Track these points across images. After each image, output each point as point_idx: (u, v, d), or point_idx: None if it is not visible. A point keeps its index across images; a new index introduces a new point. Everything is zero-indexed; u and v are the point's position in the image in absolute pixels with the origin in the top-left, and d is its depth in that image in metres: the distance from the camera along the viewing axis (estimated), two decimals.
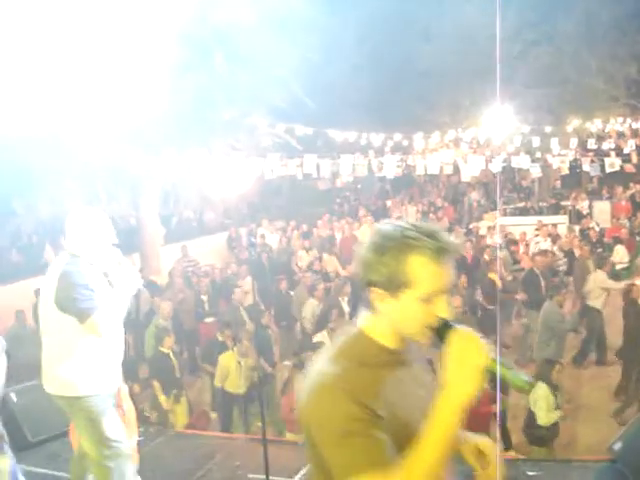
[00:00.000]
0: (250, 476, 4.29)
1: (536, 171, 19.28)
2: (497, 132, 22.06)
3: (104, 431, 4.41)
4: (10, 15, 9.73)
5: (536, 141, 21.15)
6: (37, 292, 13.53)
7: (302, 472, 5.39)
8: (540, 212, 22.33)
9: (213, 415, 10.09)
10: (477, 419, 7.82)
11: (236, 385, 9.59)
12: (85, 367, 4.36)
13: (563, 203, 23.15)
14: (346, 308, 12.15)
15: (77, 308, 4.18)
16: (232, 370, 9.62)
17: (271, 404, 9.66)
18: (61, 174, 14.07)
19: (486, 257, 13.96)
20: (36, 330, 12.88)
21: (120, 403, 5.23)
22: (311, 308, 12.32)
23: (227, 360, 9.74)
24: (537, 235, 17.20)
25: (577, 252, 14.75)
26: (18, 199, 15.09)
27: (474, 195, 25.93)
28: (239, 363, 9.63)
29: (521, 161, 14.72)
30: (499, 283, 12.18)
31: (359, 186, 29.91)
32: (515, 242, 16.38)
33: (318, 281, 14.12)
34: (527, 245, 16.50)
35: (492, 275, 12.38)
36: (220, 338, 10.29)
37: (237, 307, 12.27)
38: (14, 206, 14.97)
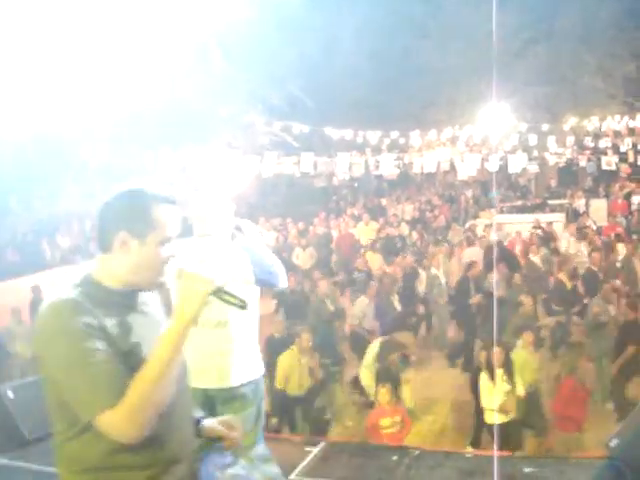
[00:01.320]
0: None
1: (533, 168, 19.27)
2: (494, 130, 22.06)
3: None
4: (10, 14, 9.72)
5: (533, 139, 21.17)
6: (35, 289, 13.62)
7: (299, 468, 5.40)
8: (536, 210, 22.34)
9: (273, 420, 9.10)
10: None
11: (298, 386, 9.20)
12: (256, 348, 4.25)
13: (559, 201, 23.15)
14: (397, 306, 12.08)
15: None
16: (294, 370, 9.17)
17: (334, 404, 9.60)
18: (57, 172, 14.07)
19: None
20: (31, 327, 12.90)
21: None
22: (361, 306, 12.16)
23: (287, 360, 9.23)
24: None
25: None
26: (15, 197, 15.06)
27: (470, 193, 25.95)
28: (299, 362, 9.20)
29: (518, 160, 14.70)
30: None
31: (356, 184, 29.89)
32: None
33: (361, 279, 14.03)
34: (524, 243, 16.50)
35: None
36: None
37: None
38: (11, 204, 14.94)
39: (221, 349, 4.01)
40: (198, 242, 4.11)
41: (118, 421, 2.15)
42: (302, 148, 17.31)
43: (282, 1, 12.77)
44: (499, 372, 8.18)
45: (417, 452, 5.93)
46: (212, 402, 4.12)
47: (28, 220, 20.26)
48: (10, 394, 6.52)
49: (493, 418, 8.03)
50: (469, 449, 7.71)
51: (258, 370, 4.12)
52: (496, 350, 8.24)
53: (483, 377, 8.34)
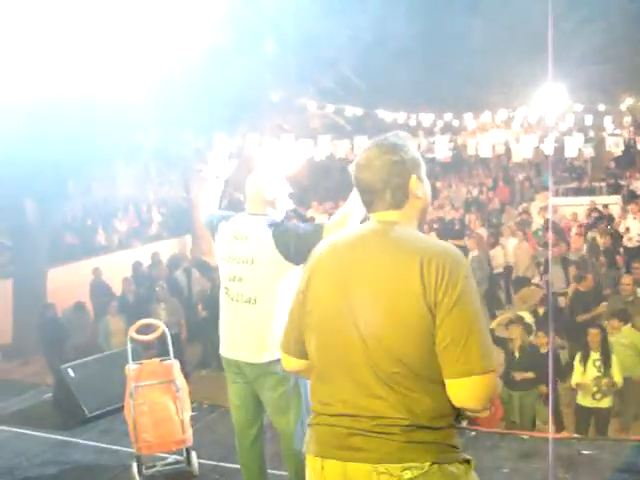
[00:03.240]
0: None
1: (588, 151, 18.97)
2: (549, 111, 21.76)
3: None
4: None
5: (589, 119, 20.84)
6: (96, 270, 13.90)
7: None
8: (593, 192, 22.01)
9: None
10: None
11: None
12: None
13: (616, 182, 22.74)
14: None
15: None
16: None
17: None
18: (112, 156, 14.28)
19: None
20: (90, 313, 13.19)
21: (172, 378, 5.36)
22: None
23: None
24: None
25: None
26: (72, 182, 15.34)
27: (525, 175, 25.64)
28: None
29: (574, 142, 14.47)
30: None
31: None
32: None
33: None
34: (580, 226, 16.27)
35: None
36: None
37: None
38: (69, 189, 15.22)
39: (250, 325, 4.05)
40: (244, 218, 4.17)
41: (482, 389, 2.17)
42: (354, 131, 17.30)
43: None
44: (594, 355, 8.09)
45: (473, 433, 5.96)
46: (247, 376, 4.20)
47: (85, 205, 20.66)
48: (71, 373, 6.71)
49: (585, 400, 8.03)
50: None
51: None
52: (592, 332, 8.16)
53: (577, 357, 8.29)
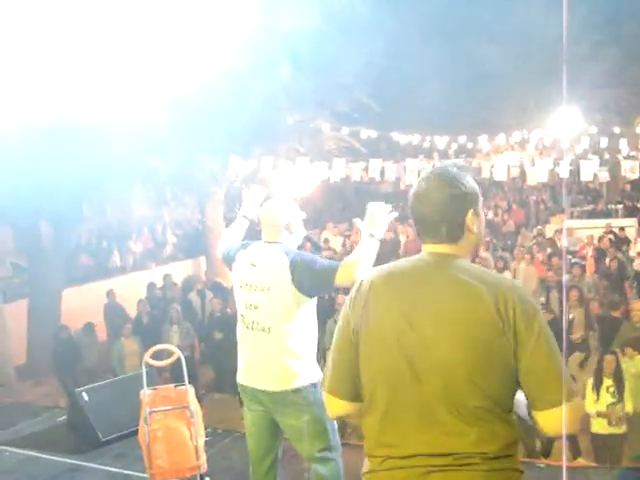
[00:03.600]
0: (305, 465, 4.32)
1: (604, 175, 18.86)
2: (564, 134, 21.74)
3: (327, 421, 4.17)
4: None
5: (604, 142, 20.79)
6: (109, 293, 13.94)
7: None
8: (608, 215, 21.92)
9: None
10: None
11: None
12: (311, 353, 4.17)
13: (632, 205, 22.64)
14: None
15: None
16: None
17: None
18: (130, 179, 14.36)
19: None
20: (104, 335, 13.18)
21: (187, 404, 5.34)
22: None
23: None
24: None
25: None
26: (87, 203, 15.42)
27: (540, 198, 25.57)
28: None
29: (590, 166, 14.42)
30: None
31: None
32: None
33: None
34: (595, 249, 16.18)
35: None
36: None
37: None
38: (84, 211, 15.30)
39: (266, 353, 4.04)
40: (261, 246, 4.17)
41: (576, 412, 2.20)
42: (369, 154, 17.33)
43: (349, 8, 12.81)
44: (607, 382, 8.00)
45: None
46: (264, 404, 4.16)
47: (100, 226, 20.72)
48: (85, 396, 6.71)
49: (599, 427, 7.94)
50: (541, 458, 7.58)
51: (308, 378, 4.05)
52: (608, 358, 8.08)
53: (589, 384, 8.19)
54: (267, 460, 4.31)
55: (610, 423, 7.87)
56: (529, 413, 2.24)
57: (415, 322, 2.24)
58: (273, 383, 4.03)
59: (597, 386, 8.01)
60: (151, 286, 14.83)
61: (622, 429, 7.94)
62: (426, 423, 2.21)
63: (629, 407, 7.92)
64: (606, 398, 7.93)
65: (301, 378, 3.99)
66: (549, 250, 16.11)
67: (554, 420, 2.16)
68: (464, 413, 2.18)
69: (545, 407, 2.17)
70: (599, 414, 7.94)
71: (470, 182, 2.41)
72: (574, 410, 2.17)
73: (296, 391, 3.99)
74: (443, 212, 2.35)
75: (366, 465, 2.38)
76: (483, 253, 15.37)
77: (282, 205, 4.23)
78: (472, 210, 2.38)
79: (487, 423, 2.18)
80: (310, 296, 3.98)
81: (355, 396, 2.40)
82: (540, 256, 14.96)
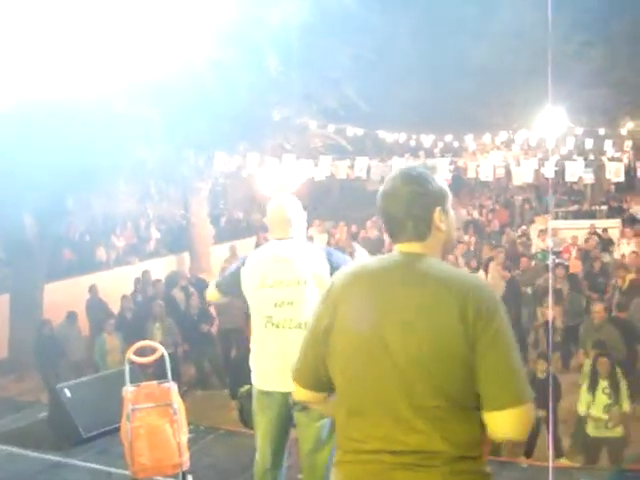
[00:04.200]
0: (300, 476, 4.26)
1: (589, 177, 18.90)
2: (549, 134, 21.79)
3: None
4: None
5: (589, 143, 20.84)
6: (92, 288, 13.84)
7: None
8: (593, 216, 21.99)
9: None
10: None
11: None
12: None
13: (616, 206, 22.73)
14: None
15: None
16: None
17: None
18: (114, 173, 14.25)
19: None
20: (86, 329, 13.06)
21: (170, 402, 5.29)
22: None
23: None
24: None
25: None
26: (72, 197, 15.29)
27: (525, 198, 25.63)
28: None
29: (575, 167, 14.44)
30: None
31: None
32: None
33: None
34: (579, 250, 16.21)
35: None
36: None
37: None
38: (67, 204, 15.16)
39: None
40: (277, 244, 4.13)
41: (523, 418, 2.16)
42: (355, 151, 17.31)
43: (338, 4, 12.76)
44: (603, 383, 7.99)
45: None
46: (290, 409, 4.07)
47: (84, 220, 20.58)
48: (67, 393, 6.64)
49: (593, 430, 7.94)
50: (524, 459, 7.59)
51: None
52: (602, 360, 8.07)
53: (583, 386, 8.20)
54: (275, 469, 4.23)
55: (607, 425, 7.87)
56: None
57: (380, 322, 2.26)
58: None
59: (593, 388, 8.01)
60: (137, 281, 14.73)
61: (618, 432, 7.94)
62: (390, 421, 2.22)
63: (626, 407, 7.92)
64: (602, 399, 7.93)
65: None
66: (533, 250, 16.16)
67: (506, 422, 2.15)
68: (426, 413, 2.18)
69: (492, 409, 2.16)
70: (593, 417, 7.95)
71: (437, 181, 2.44)
72: (521, 416, 2.15)
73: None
74: (409, 208, 2.37)
75: (336, 455, 2.42)
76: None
77: (290, 201, 4.20)
78: (439, 208, 2.40)
79: (449, 424, 2.18)
80: None
81: (317, 387, 2.47)
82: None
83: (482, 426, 2.21)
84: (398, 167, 2.54)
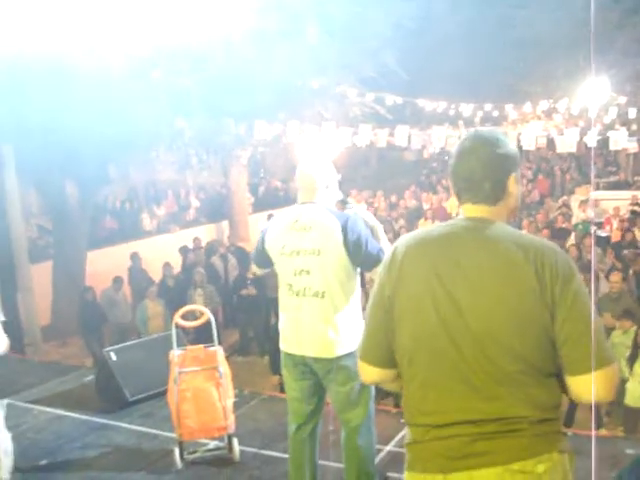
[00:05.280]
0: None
1: (633, 147, 18.58)
2: (592, 103, 21.41)
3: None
4: None
5: (632, 112, 20.47)
6: (134, 256, 13.98)
7: (397, 439, 5.42)
8: (635, 186, 21.67)
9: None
10: None
11: None
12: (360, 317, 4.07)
13: None
14: None
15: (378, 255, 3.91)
16: None
17: None
18: (154, 142, 14.33)
19: None
20: (128, 296, 13.22)
21: (216, 365, 5.35)
22: None
23: None
24: None
25: None
26: (112, 166, 15.43)
27: (566, 168, 25.33)
28: None
29: (619, 137, 14.19)
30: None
31: (446, 157, 29.59)
32: None
33: None
34: (622, 221, 16.01)
35: None
36: None
37: None
38: (109, 173, 15.31)
39: (319, 319, 3.96)
40: (299, 209, 4.11)
41: (610, 380, 2.16)
42: (394, 120, 17.15)
43: None
44: None
45: None
46: (315, 373, 4.13)
47: (125, 189, 20.78)
48: (113, 356, 6.74)
49: (631, 400, 7.91)
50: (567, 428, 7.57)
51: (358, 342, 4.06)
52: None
53: (626, 354, 8.11)
54: (309, 426, 4.28)
55: None
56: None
57: (452, 288, 2.21)
58: (327, 350, 3.99)
59: (632, 360, 7.96)
60: (183, 250, 14.83)
61: None
62: (467, 390, 2.19)
63: None
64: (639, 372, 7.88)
65: (353, 342, 3.88)
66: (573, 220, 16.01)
67: (587, 386, 2.13)
68: (502, 378, 2.16)
69: (578, 373, 2.14)
70: (631, 389, 7.90)
71: (513, 146, 2.40)
72: (608, 377, 2.13)
73: (349, 355, 3.93)
74: (488, 169, 2.32)
75: (409, 435, 2.37)
76: None
77: (319, 165, 4.17)
78: (514, 174, 2.36)
79: (528, 388, 2.16)
80: (354, 263, 3.98)
81: (388, 363, 2.38)
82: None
83: (559, 388, 2.21)
84: (469, 130, 2.48)
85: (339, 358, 3.97)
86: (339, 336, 3.96)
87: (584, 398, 2.18)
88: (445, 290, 2.21)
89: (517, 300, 2.14)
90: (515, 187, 2.37)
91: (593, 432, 5.81)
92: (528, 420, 2.15)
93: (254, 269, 4.55)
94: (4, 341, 4.38)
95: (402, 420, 2.46)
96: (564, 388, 2.22)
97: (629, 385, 7.93)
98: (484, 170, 2.32)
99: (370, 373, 2.45)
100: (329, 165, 4.21)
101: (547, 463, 2.16)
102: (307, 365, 4.10)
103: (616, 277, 9.81)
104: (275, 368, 9.18)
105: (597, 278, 10.06)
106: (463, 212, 2.38)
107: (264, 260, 4.25)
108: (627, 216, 16.20)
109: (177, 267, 14.08)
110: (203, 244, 15.52)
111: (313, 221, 4.00)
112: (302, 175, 4.16)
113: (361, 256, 3.92)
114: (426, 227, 2.47)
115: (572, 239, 13.87)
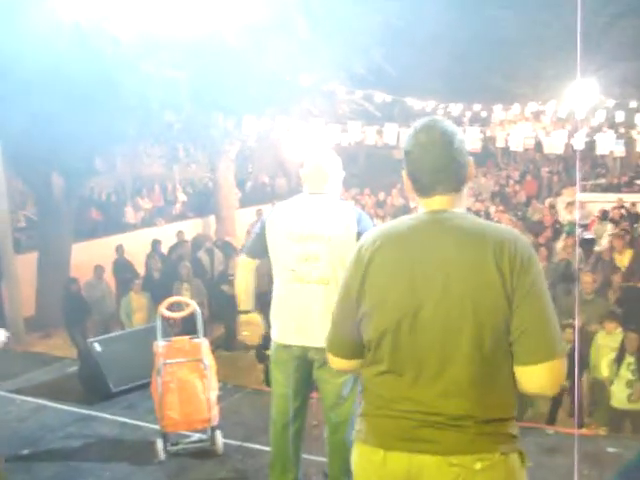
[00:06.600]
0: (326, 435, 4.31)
1: (619, 150, 18.66)
2: (579, 106, 21.51)
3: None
4: None
5: (620, 116, 20.56)
6: (119, 248, 13.94)
7: None
8: (620, 189, 21.76)
9: None
10: None
11: None
12: None
13: None
14: None
15: None
16: None
17: None
18: (141, 135, 14.28)
19: None
20: (115, 287, 13.18)
21: (201, 357, 5.34)
22: None
23: None
24: None
25: None
26: (99, 158, 15.37)
27: (552, 169, 25.43)
28: None
29: (606, 140, 14.26)
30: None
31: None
32: None
33: None
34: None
35: None
36: None
37: None
38: (95, 165, 15.25)
39: (323, 306, 3.92)
40: (308, 198, 4.11)
41: (556, 373, 2.17)
42: (383, 118, 17.18)
43: None
44: (629, 359, 7.91)
45: None
46: (310, 364, 4.12)
47: (111, 181, 20.72)
48: (97, 347, 6.72)
49: (617, 402, 7.95)
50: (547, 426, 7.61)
51: None
52: (631, 336, 7.95)
53: (609, 357, 8.16)
54: (297, 423, 4.27)
55: (629, 399, 7.88)
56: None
57: (418, 285, 2.22)
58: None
59: (618, 361, 8.00)
60: (156, 242, 14.75)
61: None
62: (424, 382, 2.21)
63: None
64: (626, 375, 7.92)
65: None
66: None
67: (533, 377, 2.15)
68: (458, 377, 2.17)
69: (525, 363, 2.15)
70: (615, 391, 7.95)
71: (461, 132, 2.39)
72: (554, 370, 2.15)
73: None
74: (453, 157, 2.31)
75: (361, 408, 2.42)
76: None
77: (331, 157, 4.18)
78: (470, 158, 2.37)
79: (482, 386, 2.17)
80: None
81: (353, 355, 2.42)
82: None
83: (514, 388, 2.21)
84: (419, 121, 2.40)
85: None
86: None
87: (529, 389, 2.20)
88: (411, 285, 2.22)
89: (478, 291, 2.15)
90: (473, 171, 2.40)
91: (575, 430, 5.85)
92: (474, 418, 2.17)
93: (243, 266, 4.40)
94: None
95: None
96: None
97: (614, 387, 7.98)
98: (450, 158, 2.31)
99: (337, 363, 2.51)
100: (338, 159, 4.22)
101: (486, 462, 2.17)
102: (303, 357, 4.08)
103: (587, 277, 9.80)
104: (261, 357, 9.20)
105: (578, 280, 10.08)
106: (427, 205, 2.35)
107: (260, 249, 4.20)
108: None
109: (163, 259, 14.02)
110: (186, 237, 15.47)
111: (326, 209, 4.01)
112: (314, 166, 4.15)
113: None
114: (391, 222, 2.46)
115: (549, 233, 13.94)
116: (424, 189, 2.36)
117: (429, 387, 2.20)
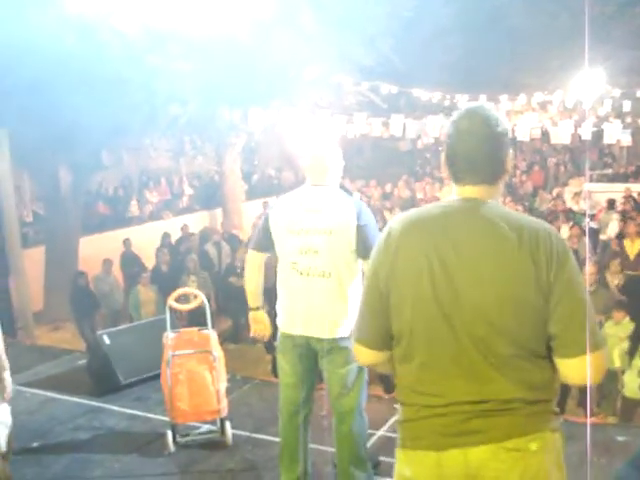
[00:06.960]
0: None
1: (626, 139, 18.58)
2: (586, 95, 21.41)
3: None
4: None
5: (627, 105, 20.46)
6: (126, 242, 13.96)
7: (389, 423, 5.44)
8: (628, 179, 21.68)
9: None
10: None
11: None
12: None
13: None
14: None
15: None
16: None
17: None
18: (148, 128, 14.28)
19: None
20: (123, 280, 13.21)
21: (210, 349, 5.35)
22: None
23: None
24: None
25: None
26: (106, 152, 15.38)
27: (559, 160, 25.33)
28: None
29: (613, 129, 14.19)
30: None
31: (440, 148, 29.50)
32: None
33: None
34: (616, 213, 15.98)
35: None
36: None
37: None
38: (102, 159, 15.27)
39: (324, 299, 3.96)
40: (310, 190, 4.11)
41: (599, 365, 2.17)
42: (389, 109, 17.14)
43: None
44: None
45: None
46: (314, 354, 4.14)
47: (118, 175, 20.73)
48: (106, 340, 6.73)
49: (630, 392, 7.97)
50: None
51: None
52: None
53: (621, 347, 8.18)
54: (304, 411, 4.29)
55: None
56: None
57: (448, 270, 2.19)
58: (330, 330, 4.00)
59: (631, 352, 7.99)
60: (166, 236, 14.78)
61: None
62: (462, 372, 2.20)
63: None
64: (638, 364, 7.92)
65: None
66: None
67: (576, 369, 2.15)
68: (498, 362, 2.16)
69: (568, 355, 2.15)
70: (627, 381, 7.95)
71: (507, 122, 2.35)
72: (598, 362, 2.15)
73: (351, 337, 3.93)
74: (490, 149, 2.28)
75: (401, 414, 2.37)
76: None
77: (332, 148, 4.18)
78: (510, 150, 2.34)
79: (521, 370, 2.17)
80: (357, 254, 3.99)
81: (383, 345, 2.36)
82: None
83: (553, 369, 2.21)
84: (465, 106, 2.40)
85: (342, 339, 3.98)
86: (343, 317, 3.97)
87: (573, 381, 2.20)
88: (442, 271, 2.19)
89: (512, 282, 2.13)
90: (511, 164, 2.36)
91: (588, 419, 5.83)
92: (522, 400, 2.17)
93: (252, 261, 4.39)
94: None
95: (395, 405, 2.45)
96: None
97: (627, 377, 7.99)
98: (486, 150, 2.28)
99: (366, 355, 2.42)
100: (339, 150, 4.22)
101: (540, 441, 2.17)
102: (307, 346, 4.10)
103: (590, 268, 9.82)
104: (269, 348, 9.19)
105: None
106: (459, 193, 2.33)
107: (266, 242, 4.21)
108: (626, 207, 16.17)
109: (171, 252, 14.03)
110: (191, 231, 15.48)
111: (327, 202, 4.01)
112: (315, 157, 4.15)
113: (362, 244, 3.91)
114: (420, 208, 2.41)
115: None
116: (456, 176, 2.34)
117: (471, 375, 2.19)
